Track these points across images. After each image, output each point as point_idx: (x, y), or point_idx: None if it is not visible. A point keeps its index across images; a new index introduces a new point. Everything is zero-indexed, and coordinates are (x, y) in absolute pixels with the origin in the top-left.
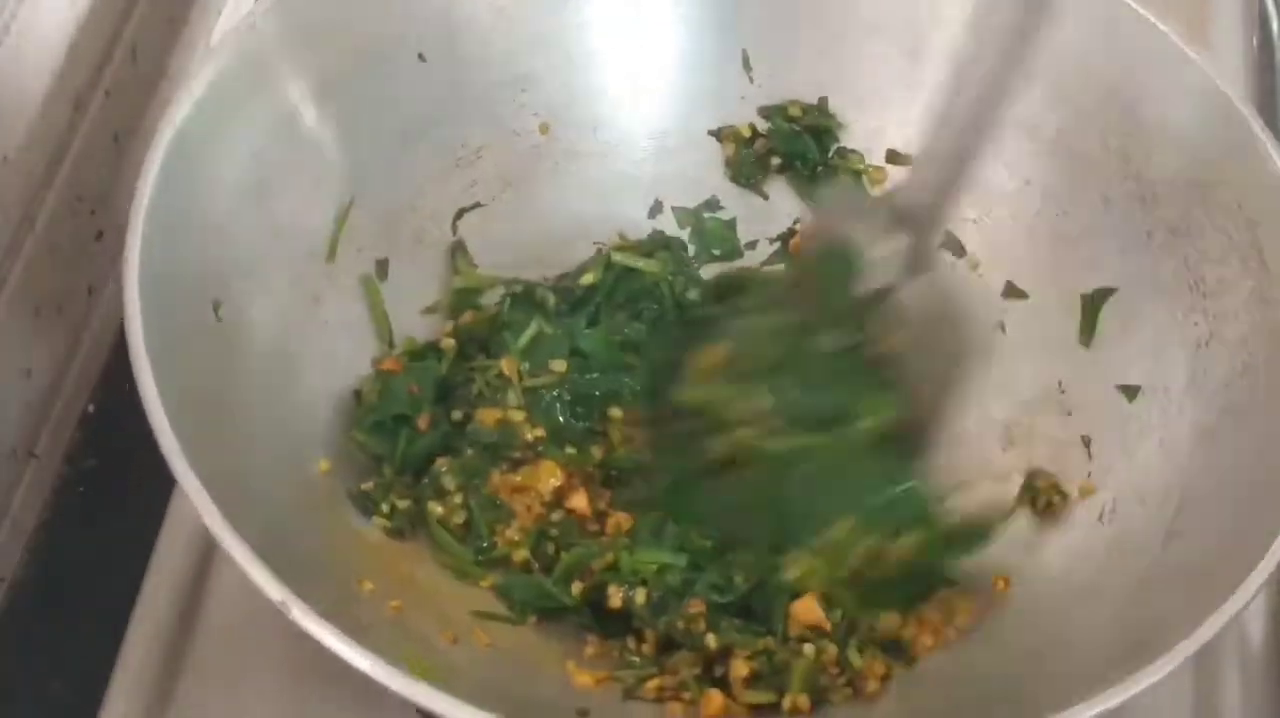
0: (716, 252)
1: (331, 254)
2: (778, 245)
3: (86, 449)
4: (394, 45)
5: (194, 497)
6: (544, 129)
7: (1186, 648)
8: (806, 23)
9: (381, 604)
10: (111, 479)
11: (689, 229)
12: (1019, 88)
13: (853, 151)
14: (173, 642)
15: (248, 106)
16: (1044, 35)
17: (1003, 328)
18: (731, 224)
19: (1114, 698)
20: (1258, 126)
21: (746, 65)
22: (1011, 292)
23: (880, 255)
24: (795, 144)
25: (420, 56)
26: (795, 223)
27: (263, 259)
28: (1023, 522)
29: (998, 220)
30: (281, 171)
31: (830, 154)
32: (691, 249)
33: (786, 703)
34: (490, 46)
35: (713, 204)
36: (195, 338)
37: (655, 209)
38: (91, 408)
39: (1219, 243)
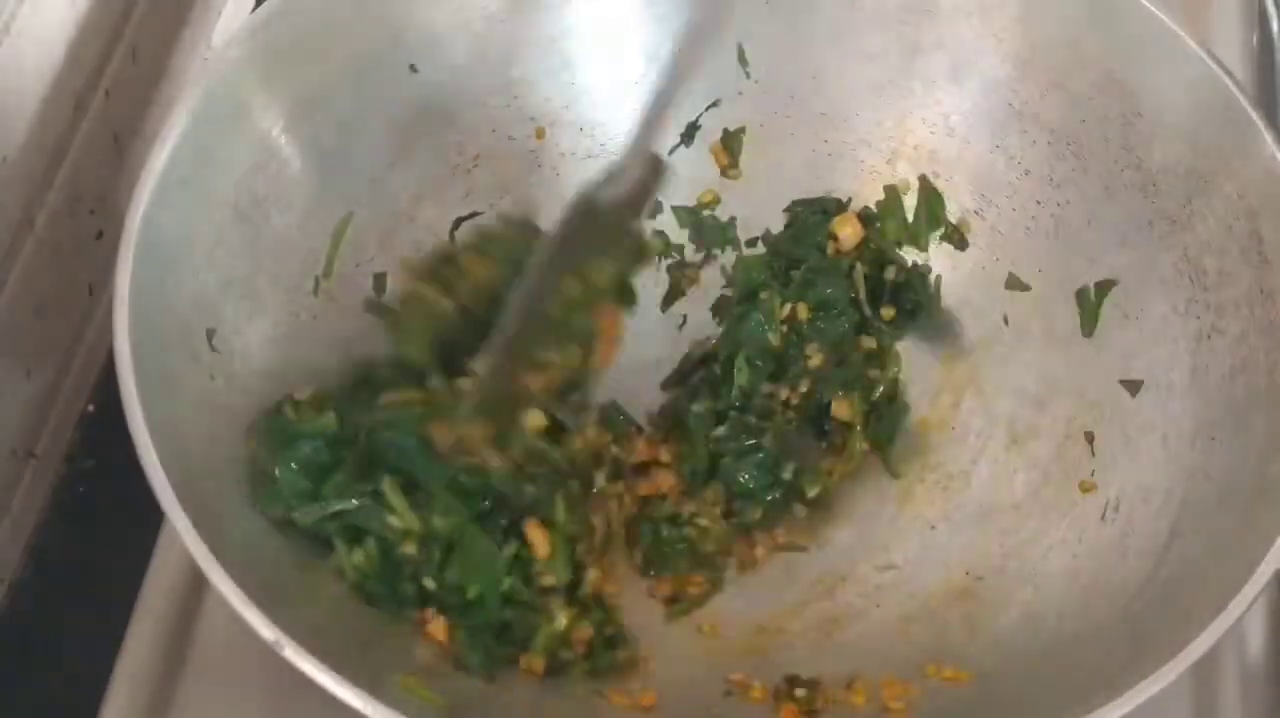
0: (717, 251)
1: (329, 271)
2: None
3: (86, 449)
4: (385, 57)
5: (185, 537)
6: (540, 134)
7: (1194, 652)
8: (802, 16)
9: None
10: (111, 479)
11: (689, 229)
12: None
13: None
14: (173, 642)
15: (238, 126)
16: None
17: (1005, 320)
18: (731, 223)
19: (1123, 706)
20: (1258, 117)
21: (743, 60)
22: (1014, 283)
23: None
24: None
25: (412, 68)
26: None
27: (257, 281)
28: (1031, 521)
29: (999, 212)
30: (275, 190)
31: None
32: (691, 249)
33: None
34: (482, 53)
35: (712, 202)
36: (189, 372)
37: (655, 209)
38: (91, 408)
39: (1219, 233)
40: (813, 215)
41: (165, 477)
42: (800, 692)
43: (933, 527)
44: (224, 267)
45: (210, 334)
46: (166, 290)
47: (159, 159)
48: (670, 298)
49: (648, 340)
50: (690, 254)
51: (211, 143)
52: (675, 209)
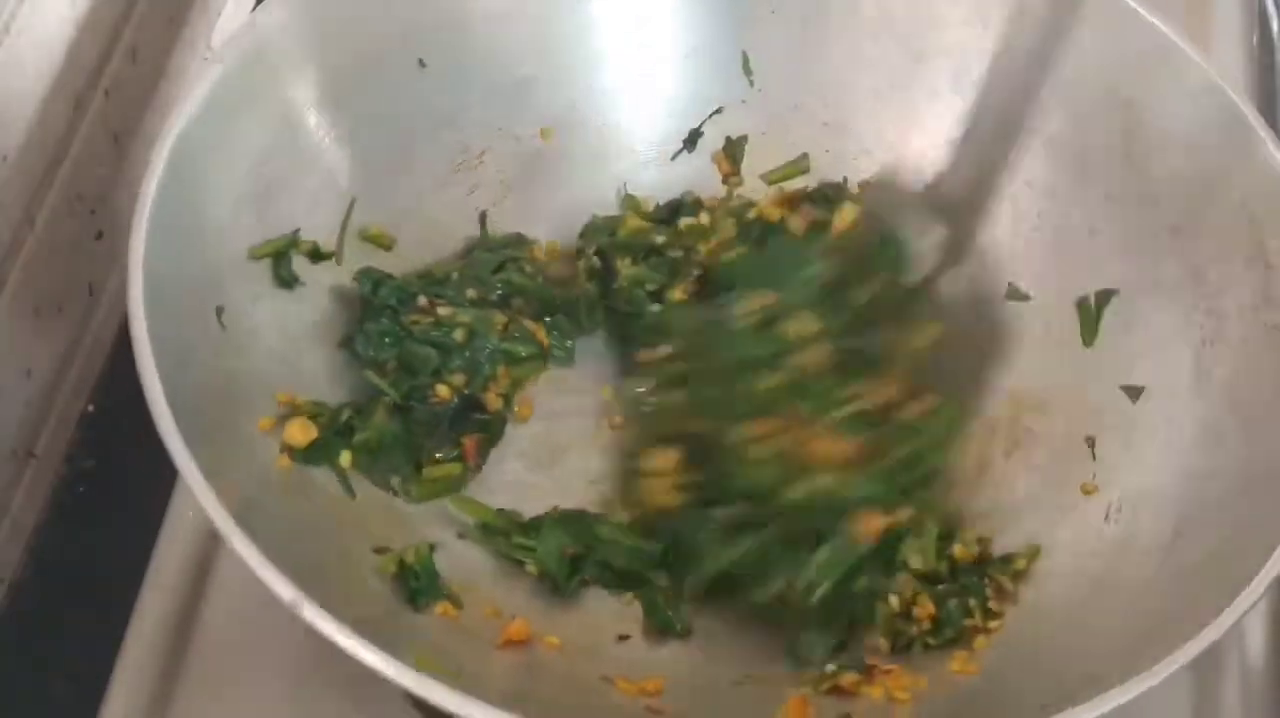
0: None
1: (339, 258)
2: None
3: (86, 449)
4: (394, 51)
5: (203, 499)
6: (545, 134)
7: (1192, 649)
8: (807, 24)
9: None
10: (111, 479)
11: None
12: (1050, 82)
13: None
14: (173, 642)
15: (249, 112)
16: (1072, 32)
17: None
18: None
19: (1117, 699)
20: (1259, 124)
21: (747, 68)
22: (1014, 294)
23: (923, 246)
24: None
25: (420, 62)
26: None
27: (264, 264)
28: (1031, 525)
29: (999, 222)
30: (283, 176)
31: None
32: None
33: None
34: (491, 51)
35: None
36: (200, 344)
37: None
38: (91, 408)
39: (1221, 241)
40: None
41: (180, 435)
42: (831, 667)
43: None
44: (231, 247)
45: (219, 312)
46: (178, 264)
47: (170, 137)
48: None
49: None
50: None
51: (222, 126)
52: None
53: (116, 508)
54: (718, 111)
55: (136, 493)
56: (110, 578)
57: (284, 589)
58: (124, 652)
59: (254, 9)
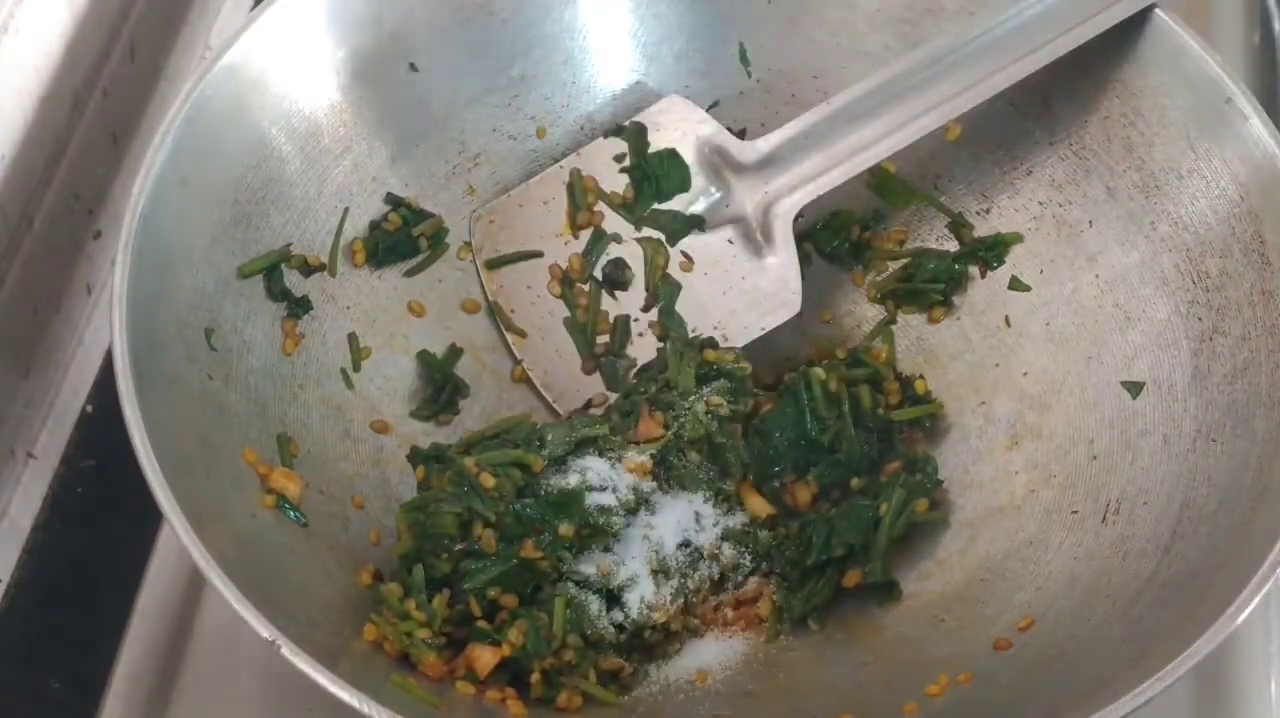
0: None
1: (333, 269)
2: None
3: (85, 449)
4: (385, 56)
5: (183, 537)
6: (541, 133)
7: (1195, 654)
8: (804, 15)
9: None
10: (110, 479)
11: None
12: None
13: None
14: (171, 642)
15: (236, 125)
16: None
17: (1007, 321)
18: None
19: (1124, 707)
20: (1258, 117)
21: (744, 59)
22: (1015, 285)
23: None
24: None
25: (411, 66)
26: None
27: (256, 280)
28: (1031, 522)
29: (1001, 211)
30: (274, 189)
31: None
32: None
33: None
34: (483, 52)
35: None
36: (187, 372)
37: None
38: (90, 408)
39: (1221, 235)
40: None
41: (162, 478)
42: None
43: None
44: (223, 265)
45: (209, 334)
46: (164, 290)
47: (157, 158)
48: None
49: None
50: None
51: (210, 142)
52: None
53: (115, 508)
54: (715, 104)
55: (136, 493)
56: (109, 578)
57: (263, 629)
58: (122, 652)
59: (251, 10)
